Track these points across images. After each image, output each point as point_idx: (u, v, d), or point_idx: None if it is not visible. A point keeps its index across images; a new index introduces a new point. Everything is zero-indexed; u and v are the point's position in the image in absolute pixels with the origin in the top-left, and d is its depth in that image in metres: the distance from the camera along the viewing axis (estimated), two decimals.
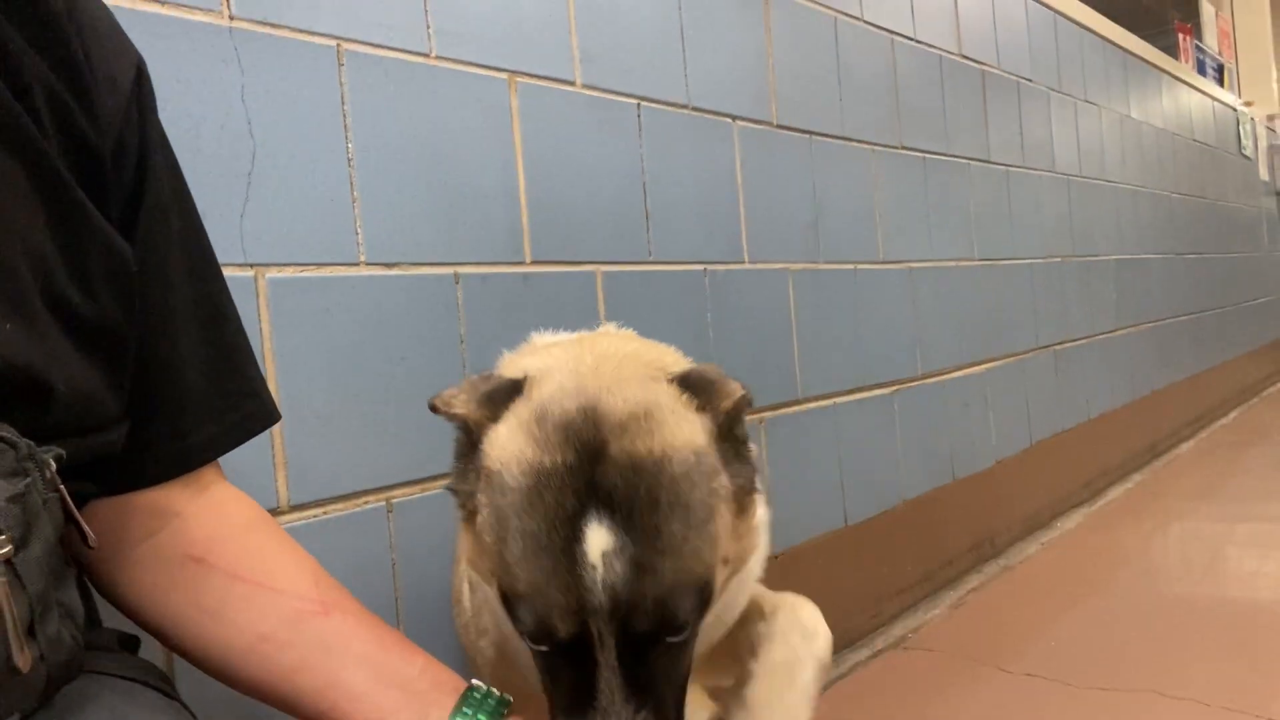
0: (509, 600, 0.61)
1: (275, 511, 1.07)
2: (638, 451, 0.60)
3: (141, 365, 0.67)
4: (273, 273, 1.07)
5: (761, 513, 0.73)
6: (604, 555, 0.58)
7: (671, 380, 0.67)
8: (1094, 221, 3.26)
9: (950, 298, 2.35)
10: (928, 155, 2.31)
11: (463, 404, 0.68)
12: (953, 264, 2.37)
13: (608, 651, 0.59)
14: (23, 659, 0.49)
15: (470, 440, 0.68)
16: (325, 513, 1.11)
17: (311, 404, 1.10)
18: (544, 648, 0.61)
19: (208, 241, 0.75)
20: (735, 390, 0.67)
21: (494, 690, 0.69)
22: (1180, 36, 4.67)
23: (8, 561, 0.48)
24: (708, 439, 0.64)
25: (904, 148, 2.21)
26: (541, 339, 0.84)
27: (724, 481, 0.65)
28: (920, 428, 2.20)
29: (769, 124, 1.82)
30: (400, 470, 1.18)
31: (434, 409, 0.70)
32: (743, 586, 0.76)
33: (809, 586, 1.97)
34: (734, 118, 1.73)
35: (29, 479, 0.51)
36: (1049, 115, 2.98)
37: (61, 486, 0.55)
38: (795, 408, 1.83)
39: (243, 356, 0.76)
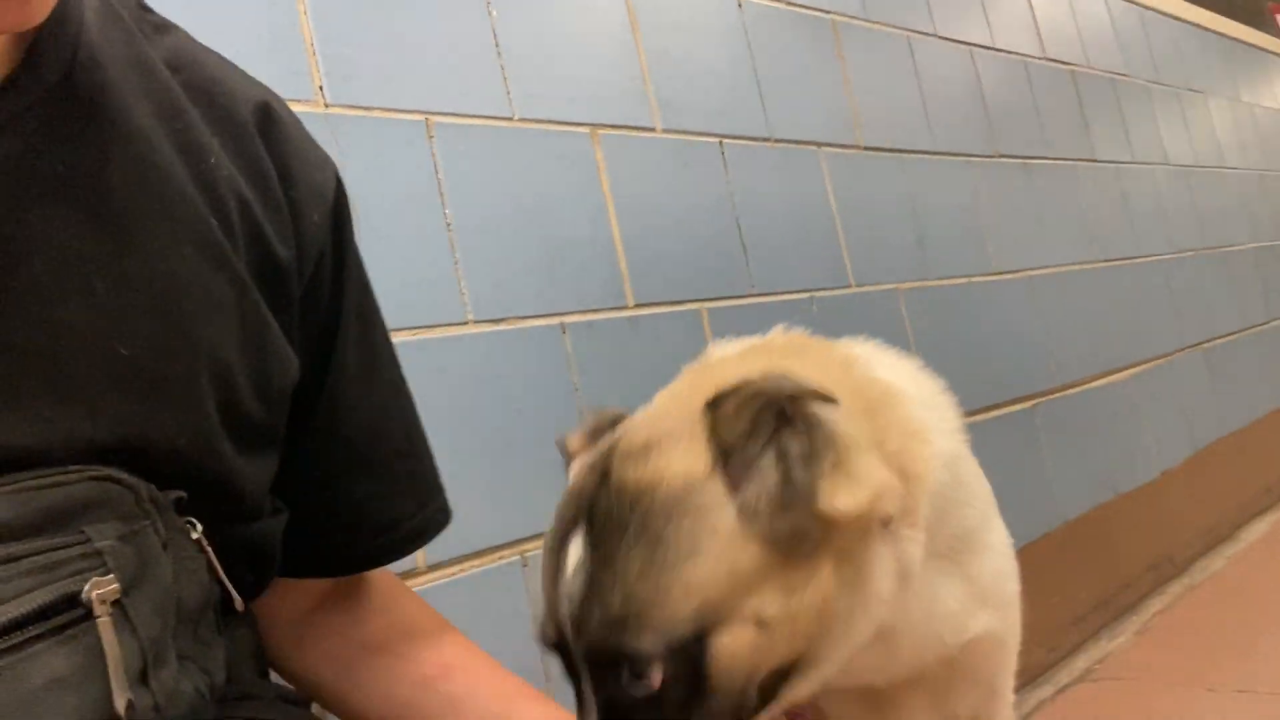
0: None
1: (413, 573, 1.07)
2: (627, 478, 0.57)
3: (350, 465, 0.71)
4: (393, 338, 1.10)
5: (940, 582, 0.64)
6: (574, 568, 0.56)
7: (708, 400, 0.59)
8: (1222, 211, 3.07)
9: (1078, 303, 2.23)
10: (1029, 161, 2.23)
11: (573, 440, 0.68)
12: (1075, 268, 2.26)
13: (583, 673, 0.57)
14: (122, 703, 0.46)
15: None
16: (462, 570, 1.11)
17: (440, 465, 1.11)
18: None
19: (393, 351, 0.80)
20: (748, 386, 0.56)
21: None
22: (1276, 17, 4.44)
23: (115, 602, 0.47)
24: (710, 466, 0.55)
25: (1001, 155, 2.15)
26: (719, 349, 0.77)
27: (728, 518, 0.54)
28: (1068, 442, 2.06)
29: (856, 147, 1.80)
30: (530, 523, 1.17)
31: (559, 448, 0.70)
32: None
33: None
34: (819, 145, 1.72)
35: (146, 521, 0.51)
36: (1152, 108, 2.85)
37: (208, 547, 0.56)
38: None
39: (430, 460, 0.80)
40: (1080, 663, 1.87)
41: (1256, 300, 3.08)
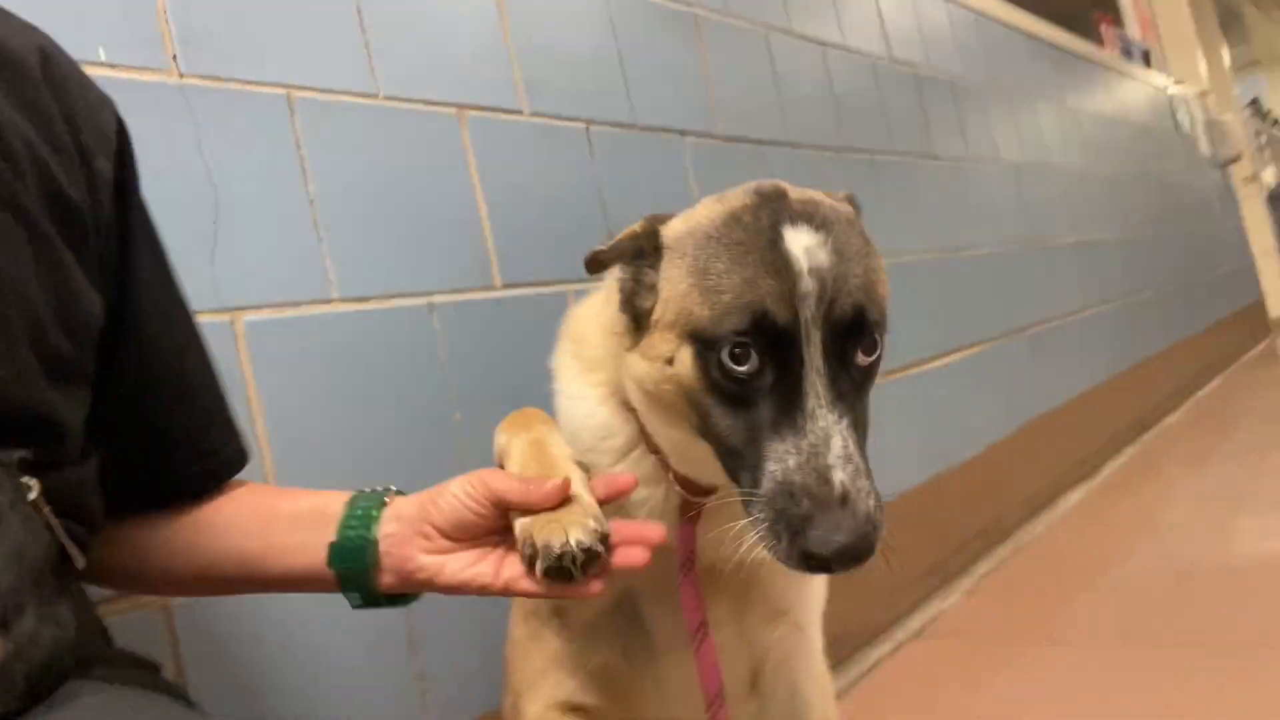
0: (704, 341, 0.69)
1: None
2: (810, 198, 0.74)
3: (155, 402, 0.74)
4: (249, 315, 1.09)
5: None
6: (806, 249, 0.68)
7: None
8: (1046, 206, 3.34)
9: (914, 291, 2.39)
10: (875, 155, 2.37)
11: (624, 234, 0.79)
12: (914, 258, 2.42)
13: (813, 348, 0.66)
14: None
15: (641, 250, 0.77)
16: None
17: (304, 442, 1.11)
18: (743, 370, 0.67)
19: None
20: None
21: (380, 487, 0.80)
22: (1103, 27, 4.84)
23: None
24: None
25: (850, 150, 2.27)
26: None
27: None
28: (905, 420, 2.21)
29: (717, 137, 1.87)
30: None
31: (597, 258, 0.79)
32: None
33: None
34: (682, 133, 1.78)
35: None
36: (987, 110, 3.07)
37: (45, 506, 0.58)
38: None
39: (227, 399, 0.83)
40: (915, 622, 2.03)
41: (1074, 289, 3.37)
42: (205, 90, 1.10)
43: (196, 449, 0.78)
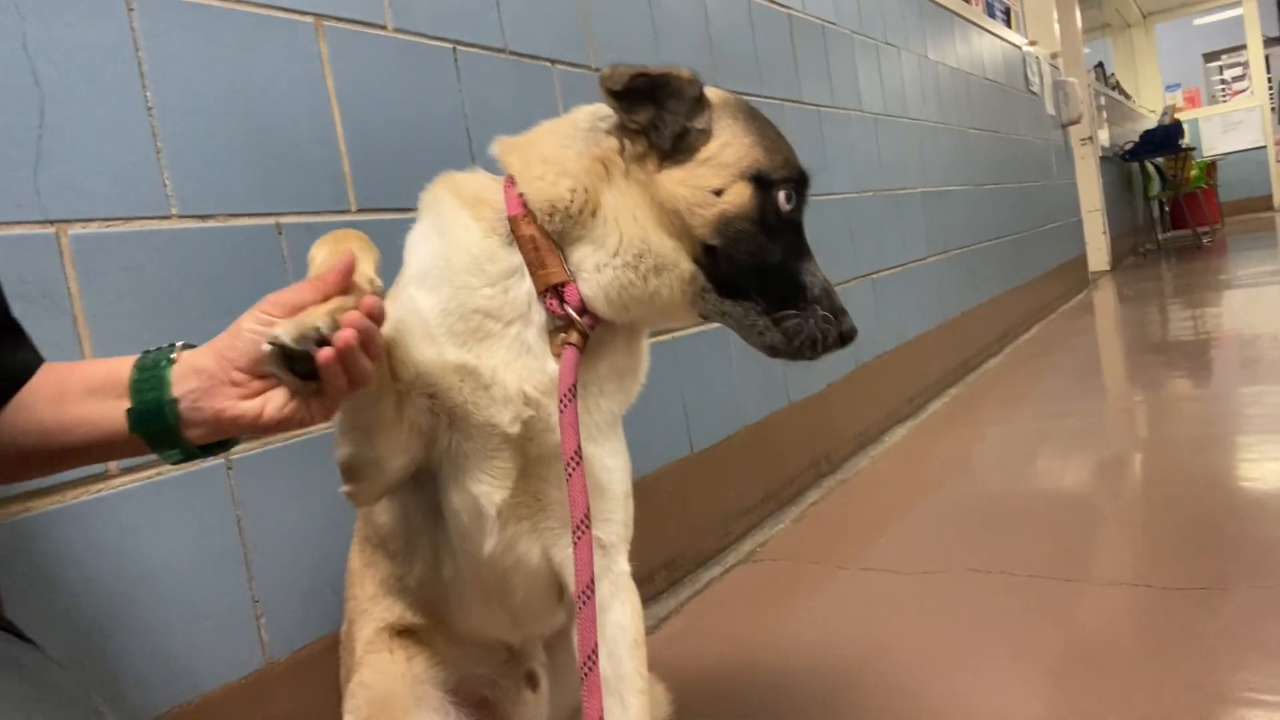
0: (764, 181, 0.90)
1: (104, 475, 1.04)
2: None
3: None
4: (76, 229, 1.03)
5: None
6: None
7: None
8: (900, 157, 3.49)
9: None
10: (745, 96, 2.40)
11: (676, 75, 0.91)
12: None
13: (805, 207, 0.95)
14: None
15: (699, 99, 0.92)
16: (160, 474, 1.08)
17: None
18: (789, 207, 0.91)
19: None
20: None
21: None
22: None
23: None
24: None
25: (720, 89, 2.29)
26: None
27: None
28: (755, 357, 2.31)
29: (588, 68, 1.85)
30: None
31: (655, 80, 0.90)
32: None
33: (661, 513, 2.06)
34: (553, 61, 1.76)
35: None
36: (854, 57, 3.15)
37: None
38: None
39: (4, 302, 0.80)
40: (747, 546, 2.17)
41: (920, 239, 3.57)
42: None
43: None
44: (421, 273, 0.91)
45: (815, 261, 0.94)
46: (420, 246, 0.93)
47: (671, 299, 0.92)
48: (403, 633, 0.99)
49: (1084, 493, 2.23)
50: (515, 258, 0.91)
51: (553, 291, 0.90)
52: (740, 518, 2.22)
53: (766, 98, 2.51)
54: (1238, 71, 13.82)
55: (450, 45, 1.54)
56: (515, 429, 0.89)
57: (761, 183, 0.90)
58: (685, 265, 0.90)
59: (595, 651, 0.83)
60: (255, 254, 1.21)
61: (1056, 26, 6.50)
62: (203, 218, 1.15)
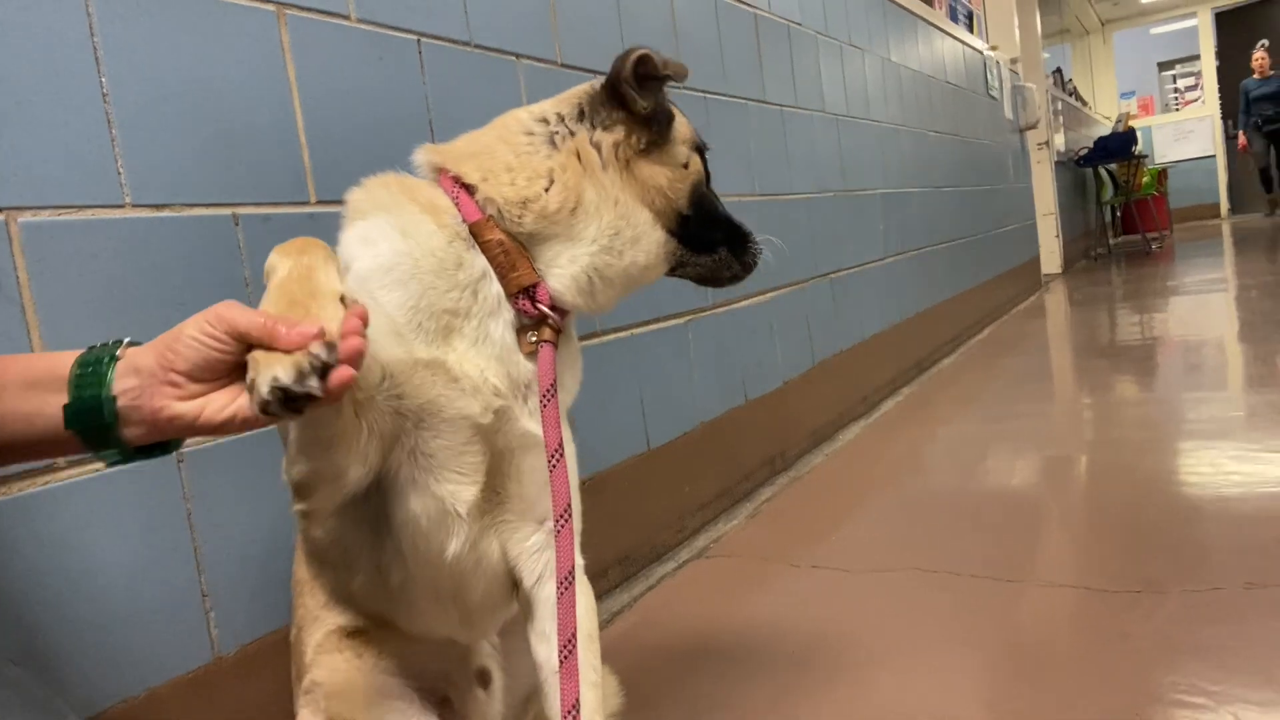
0: (701, 149, 1.07)
1: (52, 468, 1.02)
2: None
3: None
4: (26, 216, 1.01)
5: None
6: None
7: None
8: (862, 158, 3.53)
9: None
10: (708, 95, 2.42)
11: (676, 65, 0.99)
12: (735, 199, 2.51)
13: None
14: None
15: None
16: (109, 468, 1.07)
17: None
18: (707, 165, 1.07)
19: None
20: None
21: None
22: None
23: None
24: None
25: (685, 87, 2.31)
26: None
27: None
28: (713, 355, 2.34)
29: (554, 63, 1.85)
30: None
31: (659, 71, 0.97)
32: None
33: (616, 509, 2.07)
34: (518, 56, 1.75)
35: None
36: (818, 57, 3.18)
37: None
38: (596, 339, 1.91)
39: None
40: (701, 542, 2.19)
41: (877, 240, 3.61)
42: None
43: None
44: (385, 268, 0.89)
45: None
46: (379, 244, 0.91)
47: (648, 262, 1.01)
48: (353, 634, 0.99)
49: (1030, 493, 2.29)
50: (480, 261, 0.93)
51: (523, 293, 0.92)
52: (695, 514, 2.24)
53: (731, 96, 2.53)
54: (1190, 81, 14.17)
55: (414, 37, 1.53)
56: (487, 419, 0.89)
57: (700, 151, 1.06)
58: (659, 233, 1.01)
59: (574, 637, 0.85)
60: (211, 245, 1.19)
61: (1017, 32, 6.61)
62: (158, 207, 1.14)
